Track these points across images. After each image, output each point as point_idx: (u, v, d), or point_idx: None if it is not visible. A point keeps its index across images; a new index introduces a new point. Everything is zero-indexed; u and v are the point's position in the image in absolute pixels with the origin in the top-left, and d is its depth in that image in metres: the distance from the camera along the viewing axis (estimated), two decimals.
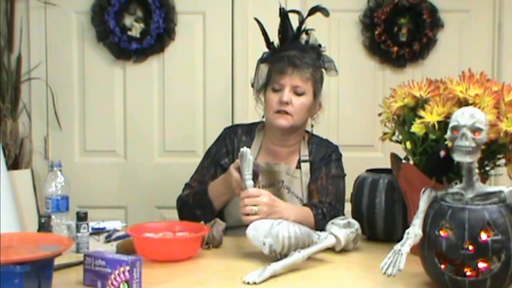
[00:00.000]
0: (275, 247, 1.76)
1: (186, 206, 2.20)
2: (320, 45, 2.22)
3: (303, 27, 2.21)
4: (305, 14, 2.22)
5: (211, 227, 1.97)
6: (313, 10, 2.23)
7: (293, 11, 2.23)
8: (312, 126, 2.25)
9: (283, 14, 2.22)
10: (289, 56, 2.13)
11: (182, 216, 2.21)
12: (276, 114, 2.14)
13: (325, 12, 2.24)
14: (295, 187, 2.19)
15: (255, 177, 1.96)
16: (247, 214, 1.90)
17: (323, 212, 2.06)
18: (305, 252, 1.74)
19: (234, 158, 2.21)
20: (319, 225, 2.02)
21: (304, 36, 2.21)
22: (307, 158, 2.23)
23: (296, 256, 1.72)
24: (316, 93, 2.18)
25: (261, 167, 2.16)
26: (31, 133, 3.06)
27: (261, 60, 2.24)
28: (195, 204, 2.16)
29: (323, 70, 2.22)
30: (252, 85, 2.27)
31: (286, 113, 2.13)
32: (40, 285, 1.45)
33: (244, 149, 1.93)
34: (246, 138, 2.26)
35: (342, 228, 1.89)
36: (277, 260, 1.72)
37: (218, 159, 2.25)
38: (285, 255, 1.74)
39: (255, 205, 1.90)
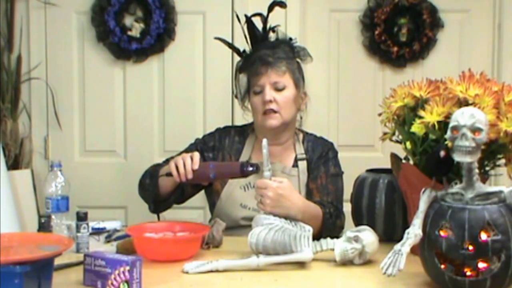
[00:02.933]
0: (253, 244, 1.77)
1: (146, 171, 2.23)
2: (290, 38, 2.24)
3: (268, 26, 2.23)
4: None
5: (211, 227, 1.97)
6: (271, 6, 2.26)
7: (255, 15, 2.26)
8: (301, 118, 2.26)
9: (247, 20, 2.24)
10: (260, 56, 2.15)
11: (140, 179, 2.23)
12: (264, 116, 2.15)
13: (283, 4, 2.29)
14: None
15: (255, 171, 1.95)
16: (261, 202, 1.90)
17: (330, 212, 2.06)
18: (263, 259, 1.74)
19: (220, 156, 2.23)
20: (326, 225, 2.01)
21: (272, 35, 2.23)
22: (303, 156, 2.22)
23: (250, 260, 1.73)
24: (297, 84, 2.19)
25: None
26: (31, 133, 3.06)
27: (238, 70, 2.26)
28: (149, 172, 2.20)
29: (299, 60, 2.23)
30: (236, 96, 2.29)
31: (273, 111, 2.13)
32: (40, 285, 1.45)
33: (264, 141, 1.91)
34: (239, 138, 2.27)
35: (344, 242, 1.78)
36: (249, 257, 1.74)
37: (202, 149, 2.24)
38: (261, 254, 1.75)
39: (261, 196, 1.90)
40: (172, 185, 2.12)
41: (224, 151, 2.24)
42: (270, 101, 2.13)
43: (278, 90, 2.14)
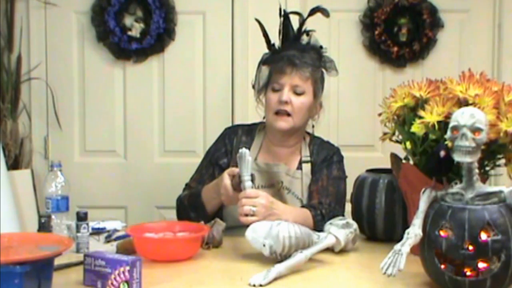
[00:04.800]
0: (276, 248, 1.75)
1: (182, 207, 2.20)
2: (321, 47, 2.22)
3: (303, 28, 2.21)
4: (305, 14, 2.23)
5: (211, 227, 1.97)
6: (313, 11, 2.24)
7: (293, 12, 2.23)
8: (313, 126, 2.25)
9: (284, 16, 2.22)
10: (289, 55, 2.13)
11: (179, 216, 2.21)
12: (276, 116, 2.14)
13: (325, 12, 2.25)
14: (295, 188, 2.19)
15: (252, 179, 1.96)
16: (246, 215, 1.90)
17: (322, 213, 2.06)
18: (307, 252, 1.74)
19: (233, 158, 2.21)
20: (318, 226, 2.01)
21: (304, 37, 2.22)
22: (308, 159, 2.22)
23: (299, 257, 1.71)
24: (316, 93, 2.18)
25: (260, 168, 2.16)
26: (31, 133, 3.06)
27: (262, 62, 2.24)
28: (190, 206, 2.16)
29: (324, 70, 2.22)
30: (253, 86, 2.28)
31: (286, 114, 2.13)
32: (40, 285, 1.45)
33: (243, 150, 1.93)
34: (246, 138, 2.26)
35: (341, 229, 1.89)
36: (278, 261, 1.71)
37: (217, 159, 2.25)
38: (285, 256, 1.74)
39: (253, 206, 1.90)
40: (218, 205, 2.12)
41: (233, 152, 2.24)
42: (286, 102, 2.12)
43: (297, 94, 2.13)
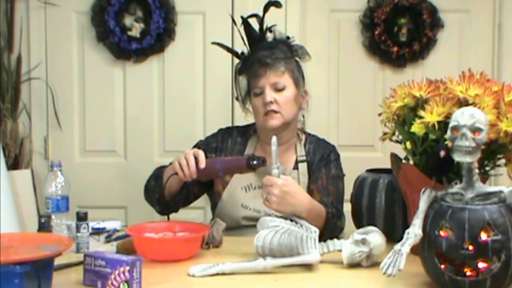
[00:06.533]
0: (259, 247, 1.76)
1: (150, 176, 2.23)
2: (288, 37, 2.24)
3: (264, 26, 2.23)
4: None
5: (211, 227, 1.97)
6: (266, 6, 2.25)
7: (251, 16, 2.26)
8: (303, 116, 2.26)
9: (243, 22, 2.24)
10: (259, 57, 2.15)
11: (145, 185, 2.24)
12: (265, 117, 2.15)
13: (278, 4, 2.27)
14: None
15: (262, 164, 1.96)
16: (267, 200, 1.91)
17: (332, 212, 2.06)
18: (271, 262, 1.71)
19: (222, 156, 2.22)
20: (328, 225, 2.01)
21: (269, 35, 2.23)
22: (304, 158, 2.22)
23: (257, 263, 1.71)
24: (297, 83, 2.19)
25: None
26: (31, 133, 3.06)
27: (238, 72, 2.26)
28: (153, 175, 2.20)
29: (298, 59, 2.23)
30: (237, 99, 2.30)
31: (274, 112, 2.14)
32: (40, 285, 1.45)
33: (273, 138, 1.91)
34: (241, 139, 2.27)
35: (351, 244, 1.75)
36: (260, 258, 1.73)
37: (205, 151, 2.23)
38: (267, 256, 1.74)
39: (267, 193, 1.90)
40: (177, 184, 2.10)
41: (226, 152, 2.24)
42: (271, 102, 2.13)
43: (278, 90, 2.15)
